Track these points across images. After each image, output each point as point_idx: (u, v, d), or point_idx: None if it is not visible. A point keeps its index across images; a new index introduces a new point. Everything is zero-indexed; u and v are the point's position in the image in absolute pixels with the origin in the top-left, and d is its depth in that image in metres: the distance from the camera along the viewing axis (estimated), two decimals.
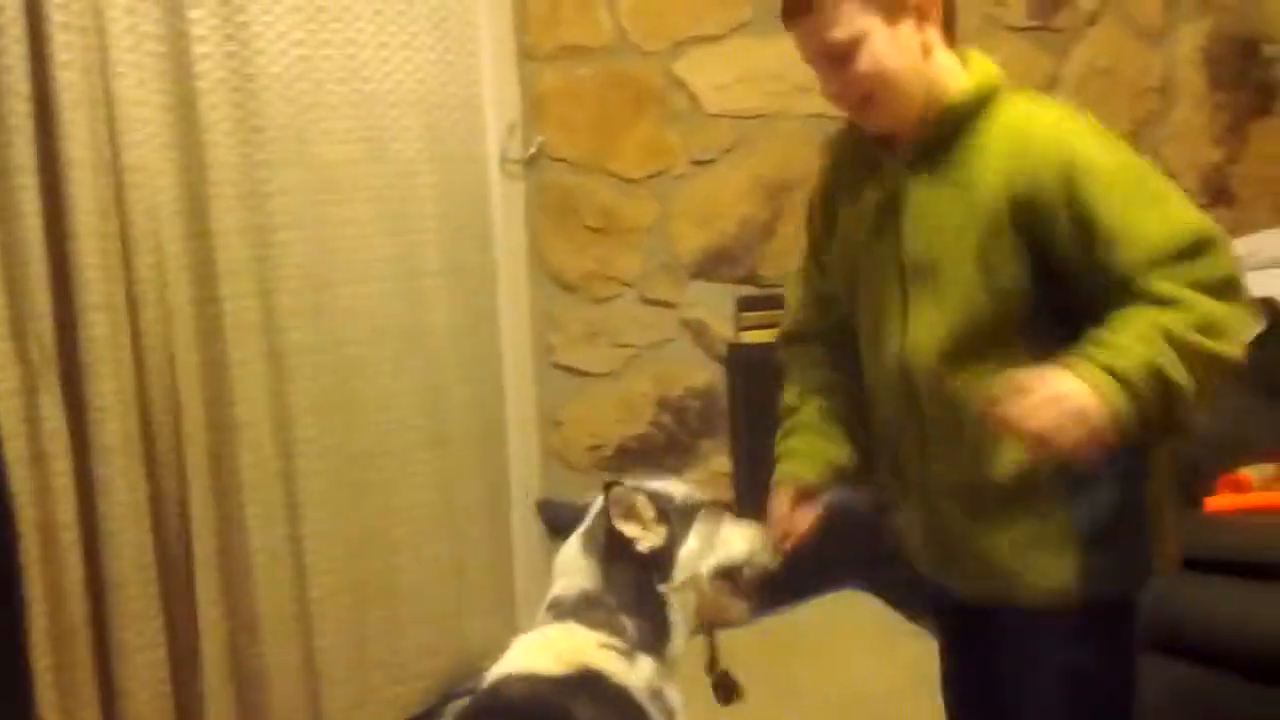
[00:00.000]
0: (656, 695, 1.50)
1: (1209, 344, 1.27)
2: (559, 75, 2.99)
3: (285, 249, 2.39)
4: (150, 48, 2.24)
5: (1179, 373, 1.26)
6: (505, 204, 2.91)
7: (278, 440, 2.39)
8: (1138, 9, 3.07)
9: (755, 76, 3.01)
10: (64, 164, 2.10)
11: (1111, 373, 1.25)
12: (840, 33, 1.38)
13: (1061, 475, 1.38)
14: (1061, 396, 1.25)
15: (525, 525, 2.97)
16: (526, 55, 2.97)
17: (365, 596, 2.52)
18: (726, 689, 1.62)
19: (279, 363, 2.39)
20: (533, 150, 2.95)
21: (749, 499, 3.04)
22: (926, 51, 1.40)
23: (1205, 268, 1.29)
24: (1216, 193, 3.10)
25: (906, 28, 1.39)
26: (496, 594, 2.82)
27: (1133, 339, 1.27)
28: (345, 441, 2.49)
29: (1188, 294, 1.27)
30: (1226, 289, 1.30)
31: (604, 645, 1.48)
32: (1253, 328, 1.31)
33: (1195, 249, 1.29)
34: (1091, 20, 3.06)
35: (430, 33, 2.64)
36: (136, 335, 2.21)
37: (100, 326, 2.14)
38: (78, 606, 2.13)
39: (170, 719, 2.26)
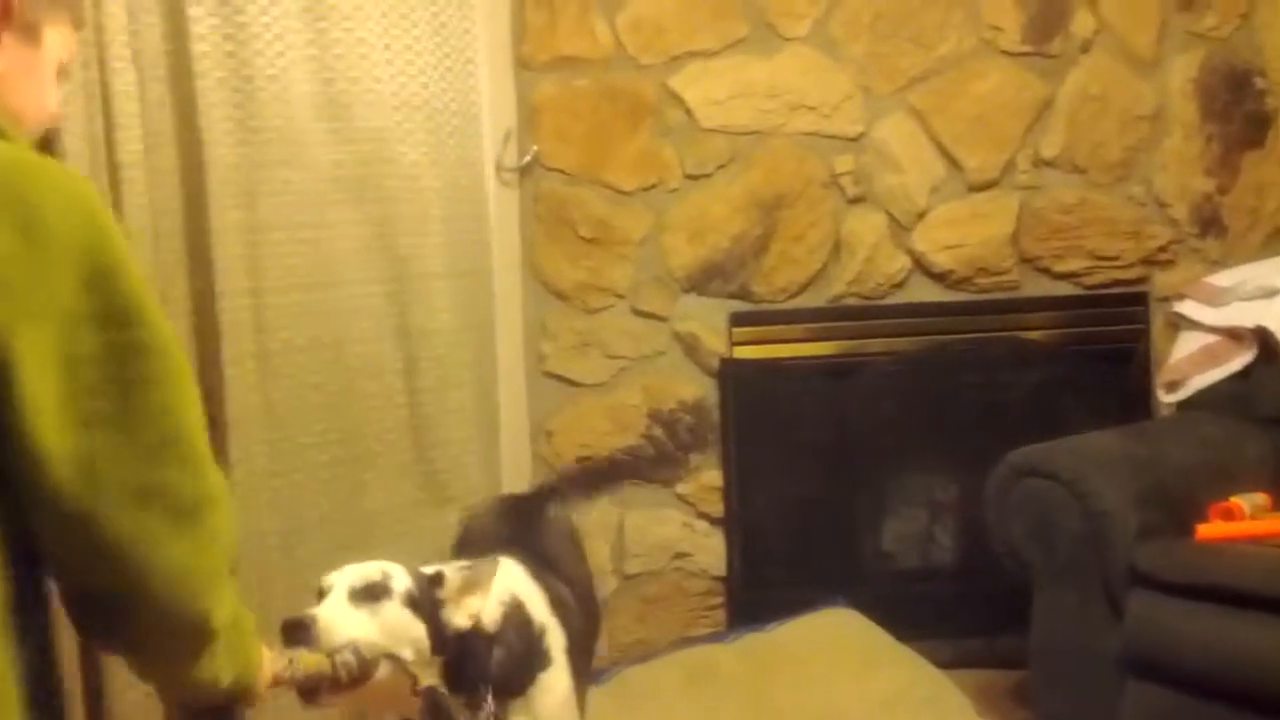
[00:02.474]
0: None
1: None
2: (555, 86, 2.99)
3: (281, 248, 2.37)
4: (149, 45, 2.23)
5: None
6: (500, 211, 2.90)
7: (267, 439, 2.36)
8: (1131, 38, 3.09)
9: (751, 93, 3.01)
10: (60, 158, 2.07)
11: None
12: None
13: None
14: None
15: None
16: (523, 65, 2.97)
17: None
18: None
19: (269, 362, 2.36)
20: (527, 159, 2.95)
21: (738, 513, 3.06)
22: None
23: None
24: (1207, 223, 3.13)
25: None
26: None
27: None
28: (338, 443, 2.47)
29: None
30: None
31: None
32: None
33: None
34: (1085, 47, 3.08)
35: (430, 38, 2.63)
36: None
37: None
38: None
39: None
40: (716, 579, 3.10)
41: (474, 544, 1.95)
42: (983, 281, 3.10)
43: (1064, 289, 3.13)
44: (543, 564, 1.83)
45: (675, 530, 3.08)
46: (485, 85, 2.84)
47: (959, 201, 3.08)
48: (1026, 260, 3.11)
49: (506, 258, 2.94)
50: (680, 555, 3.08)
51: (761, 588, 3.06)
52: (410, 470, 2.60)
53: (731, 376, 3.03)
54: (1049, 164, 3.10)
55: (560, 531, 2.09)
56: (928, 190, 3.07)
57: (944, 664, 2.72)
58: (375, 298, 2.52)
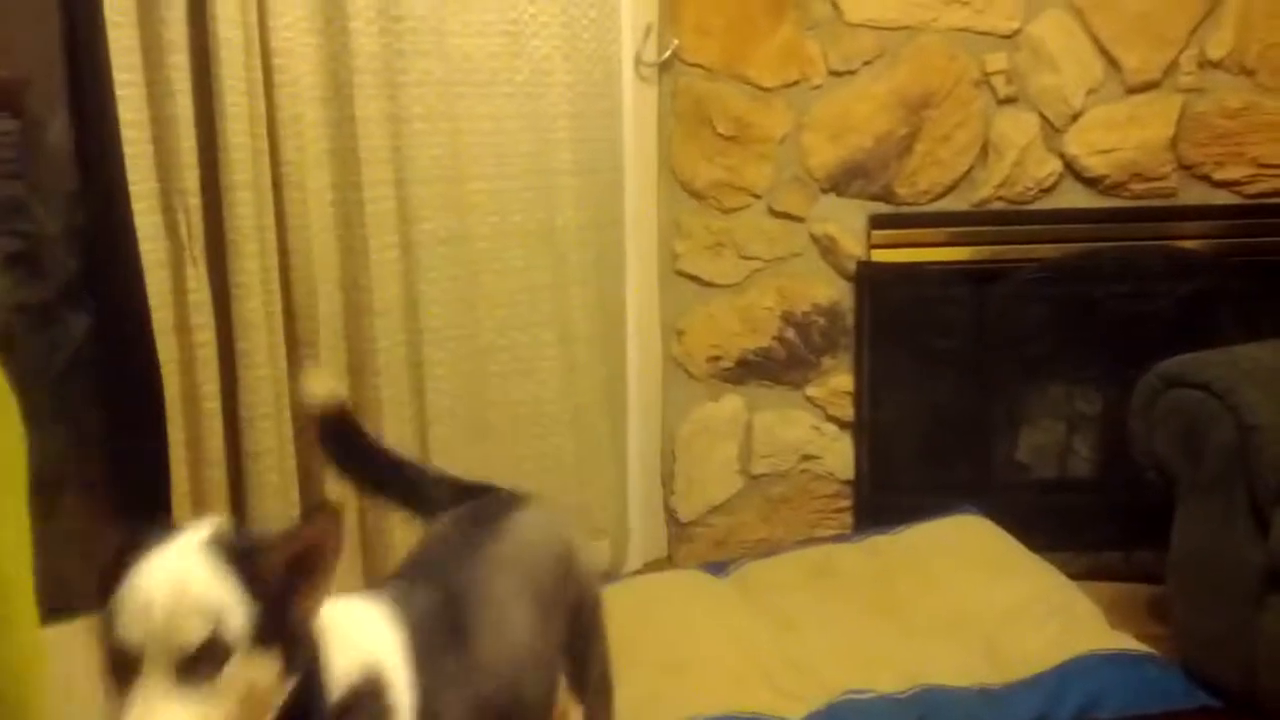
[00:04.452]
0: None
1: None
2: None
3: (421, 139, 2.40)
4: None
5: None
6: (637, 107, 2.88)
7: (408, 328, 2.43)
8: None
9: None
10: (215, 45, 2.13)
11: None
12: None
13: None
14: None
15: (641, 428, 3.00)
16: None
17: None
18: None
19: (412, 252, 2.42)
20: (667, 54, 2.92)
21: (869, 418, 3.03)
22: None
23: None
24: None
25: None
26: (610, 491, 2.86)
27: None
28: (472, 333, 2.53)
29: None
30: None
31: None
32: None
33: None
34: None
35: None
36: (280, 216, 2.25)
37: (245, 205, 2.19)
38: (217, 473, 2.22)
39: None
40: (844, 482, 3.09)
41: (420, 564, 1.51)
42: (1137, 188, 2.97)
43: (1223, 197, 2.98)
44: (449, 606, 1.39)
45: (804, 432, 3.08)
46: None
47: (1116, 103, 2.95)
48: (1185, 167, 2.97)
49: (643, 155, 2.93)
50: (808, 457, 3.08)
51: (890, 493, 3.04)
52: (541, 364, 2.64)
53: (868, 280, 2.99)
54: (1215, 65, 2.93)
55: (515, 561, 1.54)
56: (1084, 91, 2.94)
57: (1077, 576, 2.67)
58: (504, 194, 2.55)
